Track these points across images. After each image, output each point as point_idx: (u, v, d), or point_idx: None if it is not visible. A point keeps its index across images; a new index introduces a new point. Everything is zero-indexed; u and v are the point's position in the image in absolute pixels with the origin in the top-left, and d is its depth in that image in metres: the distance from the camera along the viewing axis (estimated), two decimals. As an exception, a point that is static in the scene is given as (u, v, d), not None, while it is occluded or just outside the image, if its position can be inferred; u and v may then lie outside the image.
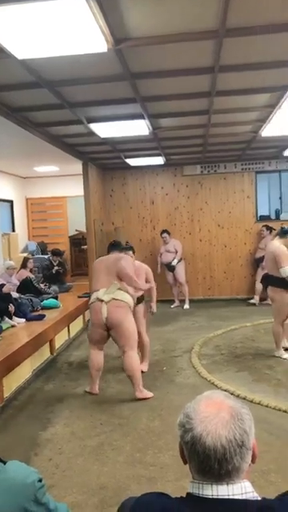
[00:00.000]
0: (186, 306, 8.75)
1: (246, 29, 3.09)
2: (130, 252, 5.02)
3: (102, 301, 4.32)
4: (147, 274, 4.99)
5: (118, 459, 3.25)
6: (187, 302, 8.83)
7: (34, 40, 2.95)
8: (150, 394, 4.36)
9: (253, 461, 1.02)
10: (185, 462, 1.05)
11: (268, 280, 5.35)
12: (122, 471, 3.10)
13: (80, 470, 3.15)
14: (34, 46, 3.04)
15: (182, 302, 8.85)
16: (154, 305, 5.17)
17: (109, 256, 4.73)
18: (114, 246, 4.90)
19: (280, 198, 9.53)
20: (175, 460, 3.07)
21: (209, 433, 0.96)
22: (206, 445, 0.96)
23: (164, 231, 8.82)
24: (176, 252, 8.74)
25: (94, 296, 4.43)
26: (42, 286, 7.52)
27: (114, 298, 4.32)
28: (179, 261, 8.80)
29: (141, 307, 5.07)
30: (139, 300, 4.98)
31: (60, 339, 6.15)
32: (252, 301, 8.81)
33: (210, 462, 0.96)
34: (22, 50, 3.11)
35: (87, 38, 2.94)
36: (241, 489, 0.97)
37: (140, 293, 4.95)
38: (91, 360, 4.51)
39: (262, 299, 8.74)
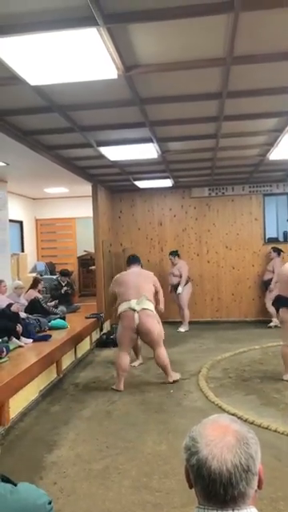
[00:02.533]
0: (181, 329, 8.57)
1: (253, 56, 3.17)
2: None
3: (134, 310, 5.12)
4: (155, 283, 5.62)
5: (124, 484, 3.20)
6: (184, 325, 8.64)
7: (47, 67, 3.05)
8: (178, 376, 5.41)
9: (259, 487, 1.01)
10: (190, 487, 1.04)
11: (280, 301, 5.30)
12: (128, 496, 3.04)
13: (85, 494, 3.10)
14: (46, 72, 3.14)
15: (180, 323, 8.72)
16: (162, 304, 5.68)
17: (136, 271, 5.59)
18: (136, 260, 5.74)
19: (288, 220, 9.55)
20: (181, 485, 3.01)
21: (214, 456, 0.95)
22: (211, 469, 0.95)
23: (170, 253, 8.81)
24: (180, 276, 8.62)
25: (125, 305, 5.20)
26: (51, 303, 7.54)
27: (144, 308, 5.15)
28: (185, 284, 8.70)
29: None
30: None
31: (67, 360, 6.12)
32: (272, 324, 8.62)
33: (215, 486, 0.95)
34: (34, 77, 3.21)
35: (98, 65, 3.03)
36: None
37: None
38: (119, 362, 5.22)
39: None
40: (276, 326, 8.54)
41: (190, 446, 1.01)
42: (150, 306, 5.27)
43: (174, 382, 5.35)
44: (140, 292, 5.22)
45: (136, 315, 5.13)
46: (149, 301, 5.26)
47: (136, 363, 6.11)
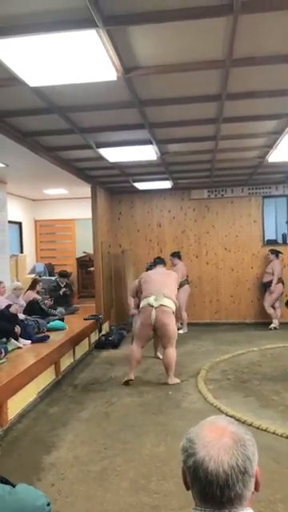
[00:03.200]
0: (180, 331, 8.43)
1: (252, 59, 3.18)
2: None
3: (152, 306, 5.41)
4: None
5: (122, 485, 3.20)
6: (183, 327, 8.55)
7: (46, 68, 3.05)
8: (177, 380, 5.48)
9: (256, 489, 1.01)
10: (187, 488, 1.04)
11: None
12: (126, 498, 3.04)
13: (83, 496, 3.10)
14: (45, 74, 3.15)
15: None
16: None
17: (160, 271, 6.08)
18: (160, 261, 6.35)
19: (287, 222, 9.56)
20: (179, 487, 3.00)
21: (211, 458, 0.95)
22: (208, 470, 0.95)
23: (171, 254, 8.73)
24: None
25: (145, 302, 5.54)
26: (49, 301, 7.54)
27: (161, 305, 5.42)
28: (182, 286, 8.58)
29: None
30: None
31: (65, 361, 6.12)
32: (272, 325, 8.62)
33: (212, 488, 0.94)
34: (34, 78, 3.22)
35: (97, 66, 3.04)
36: None
37: None
38: (133, 354, 5.53)
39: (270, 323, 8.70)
40: (276, 328, 8.56)
41: (187, 447, 1.01)
42: (168, 303, 5.49)
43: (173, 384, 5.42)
44: (160, 290, 5.52)
45: (153, 311, 5.40)
46: (167, 298, 5.49)
47: (161, 356, 6.14)
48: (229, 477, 0.94)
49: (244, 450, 0.97)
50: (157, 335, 5.74)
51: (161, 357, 6.16)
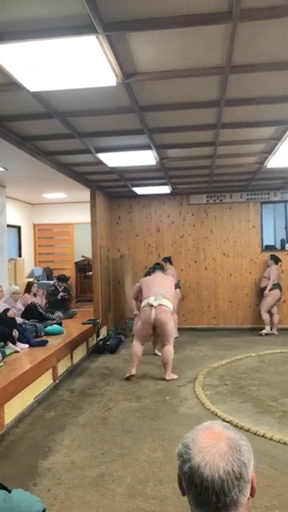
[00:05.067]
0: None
1: (251, 66, 3.20)
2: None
3: (151, 306, 5.79)
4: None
5: (118, 491, 3.19)
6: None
7: (46, 74, 3.07)
8: (174, 376, 5.83)
9: (252, 494, 1.00)
10: (183, 494, 1.03)
11: None
12: (122, 504, 3.03)
13: (79, 501, 3.08)
14: (45, 79, 3.16)
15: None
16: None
17: (158, 275, 6.51)
18: (159, 267, 6.77)
19: (286, 228, 9.58)
20: (176, 493, 2.99)
21: (207, 463, 0.95)
22: (203, 476, 0.94)
23: (162, 259, 8.77)
24: None
25: (145, 302, 5.94)
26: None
27: (160, 304, 5.80)
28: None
29: None
30: None
31: (63, 366, 6.10)
32: (263, 331, 8.64)
33: (207, 493, 0.94)
34: (34, 83, 3.23)
35: (97, 72, 3.06)
36: None
37: None
38: (134, 350, 5.91)
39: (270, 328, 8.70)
40: (267, 334, 8.56)
41: (182, 452, 1.00)
42: (167, 303, 5.90)
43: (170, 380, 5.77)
44: (159, 291, 5.94)
45: (153, 310, 5.80)
46: (166, 299, 5.92)
47: (158, 352, 6.71)
48: (224, 483, 0.93)
49: (239, 455, 0.96)
50: (155, 333, 6.21)
51: (159, 354, 6.64)
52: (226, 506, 0.94)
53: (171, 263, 8.81)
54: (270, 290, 8.70)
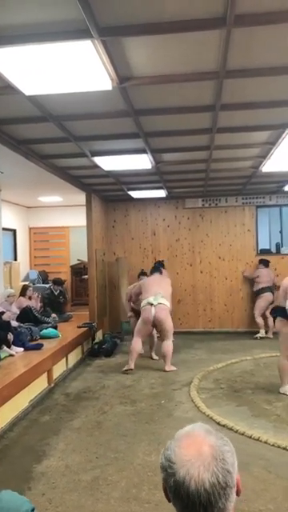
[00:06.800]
0: None
1: (245, 71, 3.22)
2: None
3: (151, 304, 6.31)
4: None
5: (113, 495, 3.18)
6: None
7: (42, 78, 3.08)
8: (173, 368, 6.31)
9: (237, 494, 0.99)
10: (169, 501, 1.02)
11: (277, 311, 5.30)
12: (117, 508, 3.02)
13: (73, 506, 3.07)
14: (41, 83, 3.17)
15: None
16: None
17: (155, 276, 6.93)
18: (156, 269, 7.15)
19: (280, 231, 9.62)
20: (171, 497, 2.99)
21: (191, 477, 0.93)
22: (189, 490, 0.92)
23: (154, 263, 8.74)
24: None
25: (145, 301, 6.45)
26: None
27: (159, 303, 6.33)
28: None
29: None
30: None
31: (58, 370, 6.09)
32: (258, 335, 8.66)
33: (194, 507, 0.92)
34: (29, 87, 3.24)
35: (93, 76, 3.07)
36: None
37: None
38: (134, 345, 6.36)
39: (264, 332, 8.71)
40: (262, 338, 8.58)
41: (166, 466, 0.98)
42: (165, 302, 6.45)
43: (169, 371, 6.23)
44: (157, 291, 6.45)
45: (153, 308, 6.32)
46: (164, 298, 6.46)
47: (155, 356, 7.09)
48: (211, 495, 0.92)
49: (223, 464, 0.95)
50: (152, 336, 6.82)
51: (155, 357, 7.03)
52: None
53: (163, 266, 8.80)
54: (262, 293, 8.75)
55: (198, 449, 0.96)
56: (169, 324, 6.42)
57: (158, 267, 7.35)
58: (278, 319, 5.23)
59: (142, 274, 8.01)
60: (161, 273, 7.15)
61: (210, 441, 0.98)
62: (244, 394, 5.31)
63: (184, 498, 0.93)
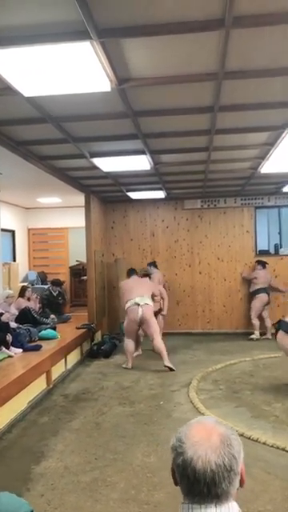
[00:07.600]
0: None
1: (244, 72, 3.23)
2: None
3: (138, 305, 6.59)
4: (154, 289, 7.38)
5: (112, 496, 3.17)
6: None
7: (41, 79, 3.08)
8: (172, 367, 6.45)
9: (241, 485, 1.07)
10: (176, 484, 1.09)
11: (281, 324, 5.25)
12: (116, 509, 3.02)
13: (72, 507, 3.07)
14: (40, 84, 3.18)
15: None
16: (165, 310, 7.83)
17: (135, 278, 7.25)
18: (132, 272, 7.47)
19: (279, 232, 9.63)
20: (170, 498, 3.00)
21: (199, 457, 1.00)
22: (196, 469, 0.99)
23: (148, 264, 8.79)
24: None
25: (131, 302, 6.66)
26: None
27: (145, 303, 6.65)
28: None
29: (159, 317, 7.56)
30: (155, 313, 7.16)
31: (57, 371, 6.08)
32: (253, 336, 8.67)
33: (199, 485, 1.00)
34: (28, 88, 3.25)
35: (92, 77, 3.08)
36: (228, 509, 1.01)
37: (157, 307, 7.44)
38: (127, 347, 6.76)
39: (262, 333, 8.71)
40: (258, 339, 8.58)
41: (176, 446, 1.05)
42: (150, 302, 6.80)
43: (171, 370, 6.39)
44: (140, 292, 6.73)
45: (140, 309, 6.59)
46: (148, 298, 6.80)
47: (135, 354, 7.09)
48: (215, 475, 0.99)
49: (230, 449, 1.02)
50: (138, 335, 7.08)
51: (139, 352, 7.34)
52: (217, 495, 1.01)
53: (156, 267, 8.80)
54: (257, 294, 8.76)
55: (208, 434, 1.04)
56: (154, 321, 6.74)
57: (134, 270, 7.62)
58: (281, 332, 5.19)
59: (131, 272, 7.59)
60: (137, 274, 7.44)
61: (220, 429, 1.06)
62: (243, 395, 5.31)
63: (190, 477, 1.00)
